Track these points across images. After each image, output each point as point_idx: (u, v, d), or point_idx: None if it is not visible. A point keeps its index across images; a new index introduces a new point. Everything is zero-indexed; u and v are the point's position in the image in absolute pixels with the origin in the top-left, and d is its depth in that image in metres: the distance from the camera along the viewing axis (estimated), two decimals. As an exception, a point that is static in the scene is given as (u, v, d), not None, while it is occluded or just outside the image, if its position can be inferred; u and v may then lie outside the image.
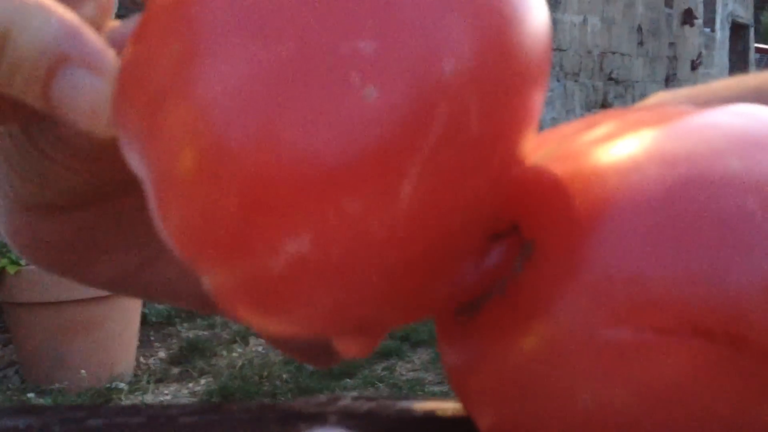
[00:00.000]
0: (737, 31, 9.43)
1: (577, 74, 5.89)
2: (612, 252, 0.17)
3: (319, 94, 0.15)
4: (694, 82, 7.84)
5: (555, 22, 5.54)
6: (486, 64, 0.16)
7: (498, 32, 0.17)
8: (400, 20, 0.16)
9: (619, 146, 0.18)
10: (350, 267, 0.16)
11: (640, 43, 6.75)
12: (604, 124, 0.20)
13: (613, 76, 6.35)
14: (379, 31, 0.16)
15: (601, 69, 6.19)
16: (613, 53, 6.34)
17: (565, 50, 5.70)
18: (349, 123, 0.15)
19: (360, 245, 0.16)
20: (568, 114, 5.75)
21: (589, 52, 6.01)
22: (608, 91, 6.28)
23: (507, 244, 0.19)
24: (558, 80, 5.65)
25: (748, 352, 0.16)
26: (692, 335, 0.16)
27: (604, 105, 6.19)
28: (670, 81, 7.36)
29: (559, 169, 0.19)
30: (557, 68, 5.63)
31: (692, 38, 7.79)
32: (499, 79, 0.17)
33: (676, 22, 7.42)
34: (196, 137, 0.16)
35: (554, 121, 5.53)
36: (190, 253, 0.17)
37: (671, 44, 7.35)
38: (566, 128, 0.21)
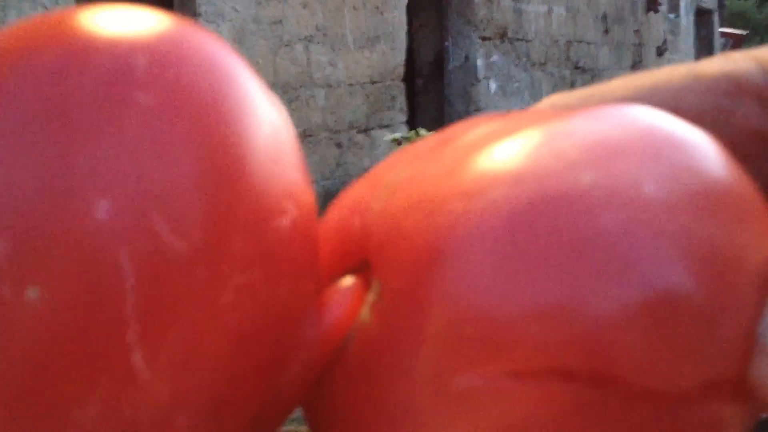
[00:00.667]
0: (702, 16, 9.51)
1: (544, 64, 5.91)
2: (456, 289, 0.15)
3: None
4: (661, 67, 7.91)
5: (520, 13, 5.55)
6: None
7: None
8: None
9: (465, 166, 0.16)
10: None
11: (606, 31, 6.79)
12: (458, 138, 0.18)
13: (580, 64, 6.37)
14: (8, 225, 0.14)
15: (568, 58, 6.21)
16: (579, 42, 6.37)
17: (531, 40, 5.71)
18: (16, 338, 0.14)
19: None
20: (536, 103, 5.76)
21: (555, 42, 6.03)
22: (575, 79, 6.31)
23: (350, 290, 0.17)
24: (525, 70, 5.66)
25: (614, 390, 0.14)
26: (549, 377, 0.14)
27: (572, 94, 6.22)
28: (636, 67, 7.41)
29: (404, 195, 0.17)
30: (524, 59, 5.65)
31: (657, 25, 7.85)
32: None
33: (640, 8, 7.47)
34: None
35: (523, 112, 5.54)
36: None
37: (636, 31, 7.40)
38: (420, 144, 0.19)
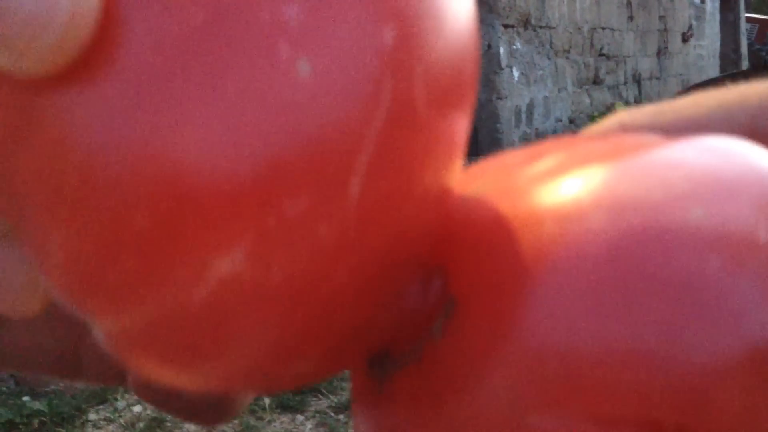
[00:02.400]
0: (727, 1, 9.39)
1: (568, 51, 5.86)
2: (544, 320, 0.14)
3: (240, 71, 0.12)
4: (686, 54, 7.83)
5: (543, 0, 5.51)
6: (427, 36, 0.14)
7: (438, 5, 0.14)
8: None
9: (562, 186, 0.15)
10: (293, 288, 0.13)
11: (630, 18, 6.71)
12: (550, 155, 0.17)
13: (604, 51, 6.31)
14: None
15: (592, 45, 6.16)
16: (603, 29, 6.30)
17: (554, 28, 5.66)
18: (281, 105, 0.12)
19: (306, 257, 0.13)
20: (560, 92, 5.72)
21: (579, 29, 5.98)
22: (600, 67, 6.25)
23: (431, 294, 0.16)
24: (549, 58, 5.62)
25: None
26: (633, 427, 0.13)
27: (596, 81, 6.16)
28: (661, 54, 7.33)
29: (491, 209, 0.16)
30: (547, 46, 5.60)
31: (682, 10, 7.75)
32: (440, 59, 0.14)
33: (665, -6, 7.38)
34: (83, 139, 0.13)
35: (546, 100, 5.50)
36: (81, 295, 0.14)
37: (661, 17, 7.31)
38: (508, 157, 0.18)
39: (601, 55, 6.29)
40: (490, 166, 0.18)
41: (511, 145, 4.82)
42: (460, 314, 0.15)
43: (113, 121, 0.12)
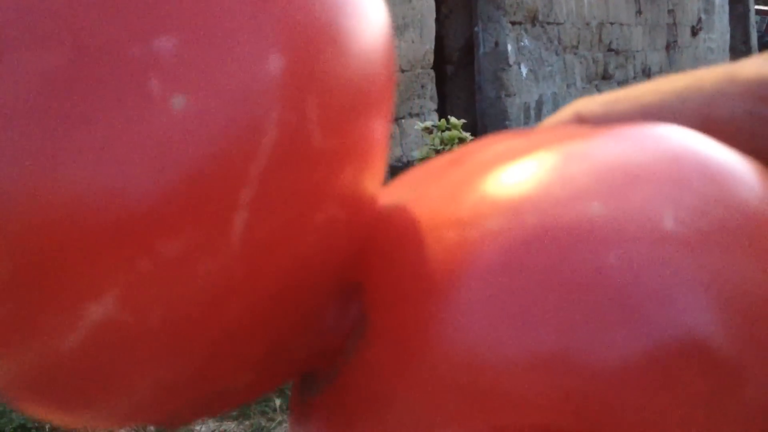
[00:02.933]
0: (736, -7, 9.34)
1: (576, 47, 5.83)
2: (444, 331, 0.13)
3: (109, 110, 0.12)
4: (696, 47, 7.79)
5: (551, -4, 5.49)
6: (324, 59, 0.13)
7: (334, 23, 0.14)
8: (210, 10, 0.12)
9: (468, 190, 0.14)
10: (177, 329, 0.13)
11: (639, 12, 6.69)
12: (472, 157, 0.16)
13: (613, 46, 6.29)
14: (182, 23, 0.12)
15: (600, 40, 6.13)
16: (612, 23, 6.28)
17: (562, 23, 5.64)
18: (154, 143, 0.12)
19: (188, 298, 0.13)
20: (569, 88, 5.70)
21: (587, 24, 5.96)
22: (609, 62, 6.23)
23: (349, 312, 0.15)
24: (557, 54, 5.60)
25: None
26: None
27: (605, 77, 6.14)
28: (670, 48, 7.30)
29: (406, 218, 0.15)
30: (555, 42, 5.58)
31: (691, 3, 7.72)
32: (339, 82, 0.14)
33: (673, -12, 7.35)
34: None
35: (555, 96, 5.49)
36: None
37: (670, 11, 7.28)
38: (437, 161, 0.17)
39: (610, 50, 6.27)
40: (418, 173, 0.17)
41: (521, 142, 4.79)
42: (371, 332, 0.14)
43: None
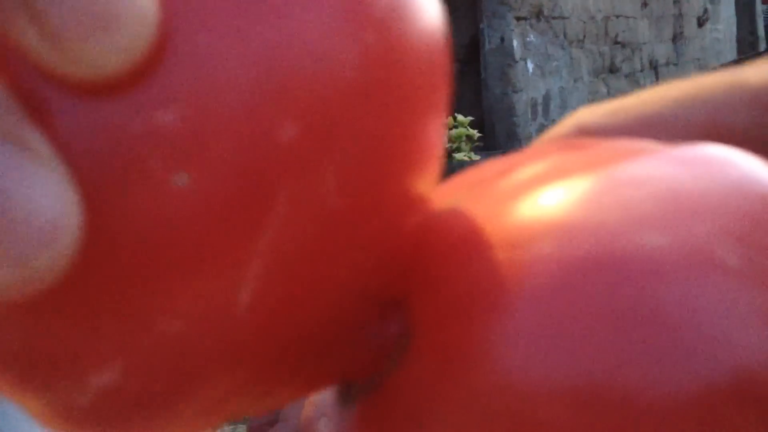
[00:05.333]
0: (742, -17, 9.30)
1: (582, 41, 5.82)
2: (487, 356, 0.13)
3: (111, 188, 0.12)
4: (702, 38, 7.76)
5: (555, -10, 5.47)
6: (344, 123, 0.12)
7: (361, 80, 0.13)
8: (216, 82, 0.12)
9: (518, 207, 0.14)
10: (182, 389, 0.13)
11: (644, 4, 6.66)
12: (519, 168, 0.15)
13: (619, 39, 6.27)
14: (181, 97, 0.12)
15: (606, 33, 6.11)
16: (617, 17, 6.26)
17: (567, 18, 5.63)
18: (154, 220, 0.12)
19: (190, 367, 0.13)
20: (576, 82, 5.68)
21: (593, 18, 5.94)
22: (615, 55, 6.20)
23: (391, 326, 0.15)
24: (563, 49, 5.58)
25: None
26: None
27: (612, 70, 6.12)
28: (677, 40, 7.27)
29: (454, 230, 0.15)
30: (561, 36, 5.57)
31: (697, -6, 7.69)
32: (362, 144, 0.13)
33: (679, -21, 7.32)
34: None
35: (562, 91, 5.47)
36: None
37: (676, 2, 7.25)
38: (488, 167, 0.16)
39: (616, 43, 6.25)
40: (465, 179, 0.16)
41: (528, 138, 4.79)
42: (415, 349, 0.14)
43: None
